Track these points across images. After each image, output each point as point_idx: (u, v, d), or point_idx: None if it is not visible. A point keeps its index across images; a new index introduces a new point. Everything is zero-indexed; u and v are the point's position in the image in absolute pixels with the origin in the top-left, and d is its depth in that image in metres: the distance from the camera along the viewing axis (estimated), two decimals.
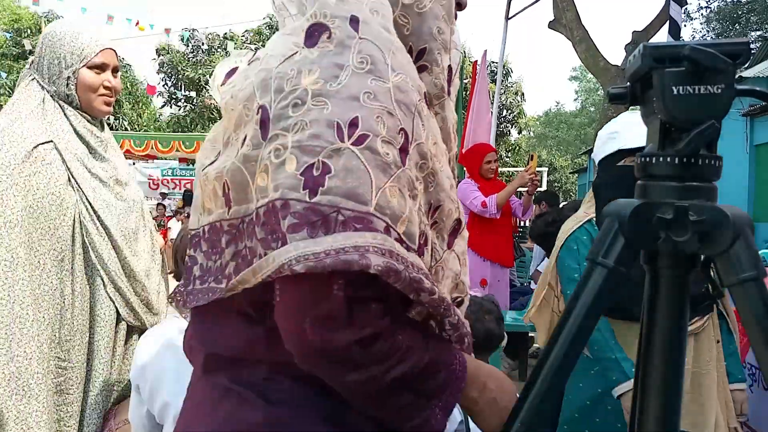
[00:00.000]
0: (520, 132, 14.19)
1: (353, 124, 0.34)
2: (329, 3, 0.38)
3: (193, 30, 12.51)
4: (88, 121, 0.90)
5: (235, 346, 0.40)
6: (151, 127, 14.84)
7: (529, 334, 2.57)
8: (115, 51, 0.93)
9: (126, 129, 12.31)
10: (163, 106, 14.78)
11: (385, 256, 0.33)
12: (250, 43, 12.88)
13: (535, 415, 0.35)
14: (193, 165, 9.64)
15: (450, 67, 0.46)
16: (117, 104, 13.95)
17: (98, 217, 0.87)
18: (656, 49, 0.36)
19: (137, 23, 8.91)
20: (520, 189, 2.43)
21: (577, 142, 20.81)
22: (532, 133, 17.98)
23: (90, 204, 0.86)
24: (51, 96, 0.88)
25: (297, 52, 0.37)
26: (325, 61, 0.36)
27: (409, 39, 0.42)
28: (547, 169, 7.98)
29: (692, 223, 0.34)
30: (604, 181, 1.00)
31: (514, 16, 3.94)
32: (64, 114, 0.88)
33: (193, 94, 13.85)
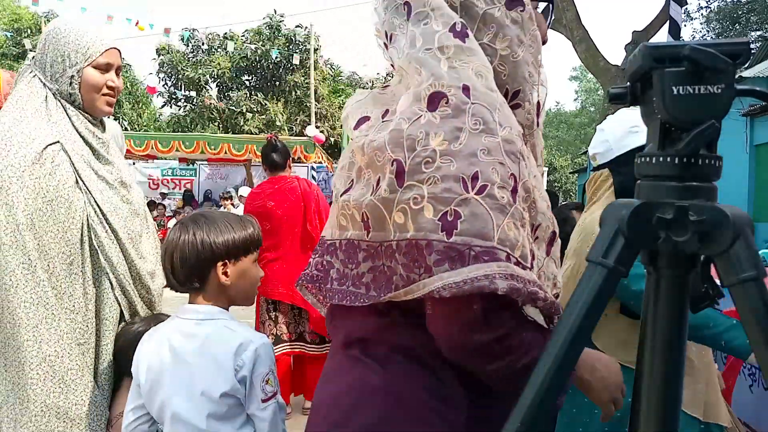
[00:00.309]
0: None
1: (475, 177, 0.46)
2: (443, 74, 0.48)
3: (193, 30, 12.51)
4: (89, 121, 0.89)
5: (366, 329, 0.54)
6: (151, 126, 14.84)
7: None
8: (119, 50, 0.92)
9: (126, 129, 12.30)
10: (163, 106, 14.78)
11: (508, 279, 0.44)
12: (250, 43, 12.87)
13: (536, 415, 0.35)
14: (192, 165, 9.66)
15: (539, 102, 0.57)
16: (117, 104, 13.92)
17: (106, 219, 0.86)
18: (656, 49, 0.36)
19: (137, 23, 8.91)
20: None
21: (577, 142, 20.82)
22: None
23: (98, 206, 0.86)
24: (53, 94, 0.86)
25: (421, 116, 0.48)
26: (447, 126, 0.47)
27: (506, 83, 0.54)
28: (547, 169, 7.98)
29: (692, 223, 0.34)
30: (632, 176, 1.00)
31: None
32: (66, 114, 0.87)
33: (193, 93, 13.85)
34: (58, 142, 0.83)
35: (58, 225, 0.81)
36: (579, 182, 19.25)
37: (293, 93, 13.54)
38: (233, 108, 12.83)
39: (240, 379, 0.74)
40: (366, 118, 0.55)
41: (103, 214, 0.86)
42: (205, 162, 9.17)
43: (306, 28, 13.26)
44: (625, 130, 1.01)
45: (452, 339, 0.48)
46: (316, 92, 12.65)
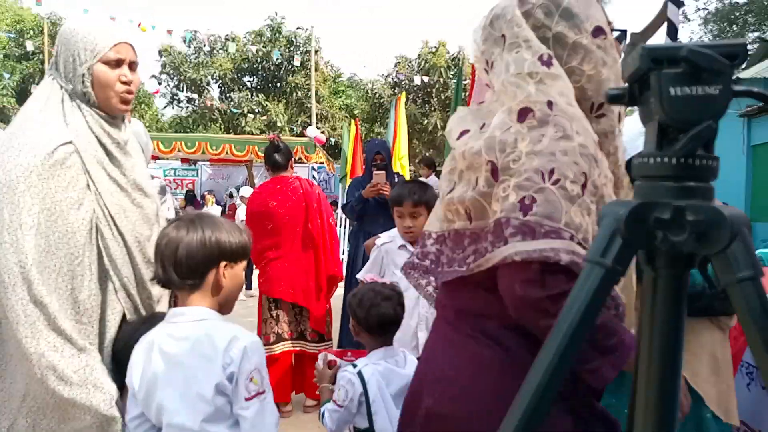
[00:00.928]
0: None
1: (552, 171, 0.57)
2: (531, 92, 0.60)
3: (195, 31, 12.55)
4: (106, 121, 0.88)
5: (474, 305, 0.64)
6: (153, 127, 14.86)
7: None
8: (132, 45, 0.89)
9: None
10: (165, 107, 14.81)
11: (570, 254, 0.54)
12: (251, 45, 12.91)
13: (534, 414, 0.35)
14: (194, 165, 9.68)
15: (619, 113, 0.67)
16: None
17: (114, 222, 0.86)
18: (654, 50, 0.36)
19: (139, 24, 8.95)
20: None
21: None
22: None
23: (107, 209, 0.85)
24: (69, 95, 0.86)
25: (511, 126, 0.60)
26: (533, 133, 0.59)
27: (592, 97, 0.65)
28: None
29: (689, 223, 0.35)
30: None
31: None
32: (82, 114, 0.86)
33: (195, 96, 13.87)
34: (71, 142, 0.82)
35: (67, 225, 0.81)
36: None
37: (294, 94, 13.57)
38: (235, 109, 12.85)
39: (228, 376, 0.74)
40: (466, 131, 0.67)
41: (111, 217, 0.86)
42: (207, 162, 9.18)
43: (307, 29, 13.29)
44: (638, 130, 1.01)
45: (513, 294, 0.57)
46: (316, 93, 12.67)
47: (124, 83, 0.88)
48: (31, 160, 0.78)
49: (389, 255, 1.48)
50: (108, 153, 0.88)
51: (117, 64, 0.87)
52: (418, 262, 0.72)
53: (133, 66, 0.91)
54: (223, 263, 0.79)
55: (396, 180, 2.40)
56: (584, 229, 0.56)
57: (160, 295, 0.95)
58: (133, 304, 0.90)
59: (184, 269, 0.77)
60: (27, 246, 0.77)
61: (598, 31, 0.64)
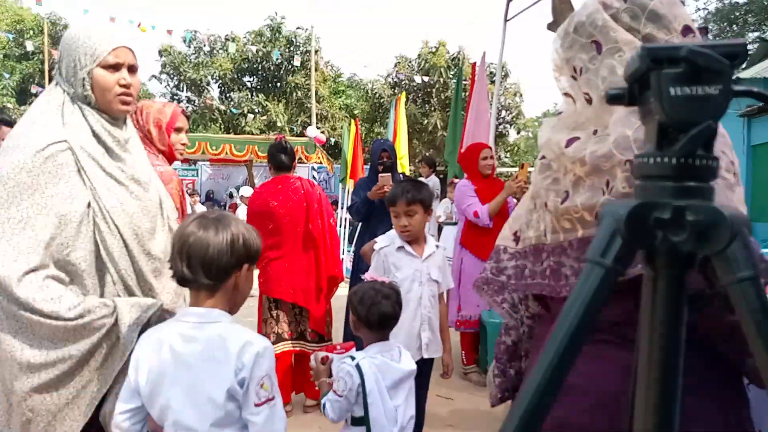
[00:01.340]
0: (518, 132, 14.21)
1: None
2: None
3: (195, 31, 12.55)
4: (107, 121, 0.91)
5: (616, 314, 0.59)
6: None
7: None
8: (131, 49, 0.92)
9: None
10: None
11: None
12: (251, 45, 12.90)
13: (534, 414, 0.35)
14: (194, 165, 9.67)
15: None
16: None
17: (110, 215, 0.88)
18: (654, 50, 0.36)
19: (139, 24, 8.95)
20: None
21: None
22: (530, 134, 17.97)
23: (102, 202, 0.87)
24: (71, 98, 0.89)
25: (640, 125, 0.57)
26: None
27: None
28: None
29: (689, 223, 0.35)
30: None
31: (512, 17, 3.94)
32: (83, 114, 0.89)
33: (195, 97, 13.87)
34: (65, 141, 0.84)
35: (59, 218, 0.82)
36: None
37: (294, 94, 13.56)
38: (234, 109, 12.85)
39: (239, 381, 0.74)
40: (576, 138, 0.64)
41: (107, 210, 0.87)
42: (207, 162, 9.18)
43: (307, 29, 13.29)
44: None
45: (721, 319, 0.55)
46: (316, 93, 12.66)
47: (123, 86, 0.91)
48: (21, 157, 0.81)
49: (389, 258, 1.49)
50: (108, 150, 0.90)
51: (115, 67, 0.90)
52: (492, 277, 0.71)
53: (132, 69, 0.93)
54: (246, 265, 0.80)
55: (401, 179, 2.40)
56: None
57: (162, 287, 0.95)
58: (133, 296, 0.91)
59: (214, 270, 0.76)
60: (15, 239, 0.79)
61: (686, 30, 0.62)
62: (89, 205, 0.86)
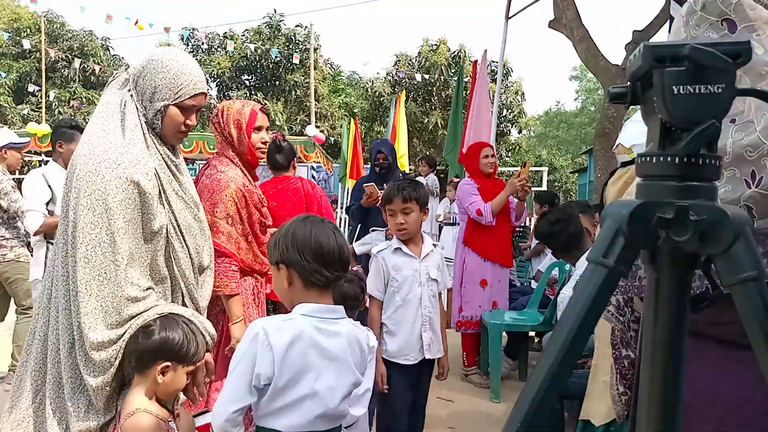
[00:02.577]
0: (520, 131, 14.18)
1: None
2: None
3: (193, 29, 12.49)
4: (166, 147, 0.98)
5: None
6: None
7: (529, 334, 2.57)
8: (205, 94, 0.99)
9: None
10: None
11: None
12: (250, 43, 12.85)
13: (537, 415, 0.35)
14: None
15: None
16: None
17: (182, 235, 0.97)
18: (657, 48, 0.36)
19: (136, 22, 8.90)
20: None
21: (577, 142, 20.78)
22: (532, 133, 17.96)
23: (177, 223, 0.95)
24: (145, 120, 0.95)
25: None
26: None
27: None
28: (547, 168, 7.95)
29: (692, 222, 0.34)
30: None
31: (514, 15, 3.93)
32: (152, 138, 0.95)
33: None
34: (152, 167, 0.92)
35: (144, 235, 0.90)
36: (579, 182, 19.18)
37: (293, 92, 13.52)
38: None
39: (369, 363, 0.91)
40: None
41: (181, 231, 0.96)
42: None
43: (306, 27, 13.24)
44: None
45: None
46: (315, 92, 12.64)
47: (187, 126, 0.97)
48: (121, 182, 0.87)
49: (387, 261, 1.48)
50: (173, 174, 0.98)
51: (189, 110, 0.97)
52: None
53: (197, 112, 1.00)
54: None
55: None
56: None
57: (201, 296, 1.05)
58: (196, 308, 1.01)
59: (345, 269, 0.88)
60: (123, 248, 0.86)
61: None
62: (166, 224, 0.93)
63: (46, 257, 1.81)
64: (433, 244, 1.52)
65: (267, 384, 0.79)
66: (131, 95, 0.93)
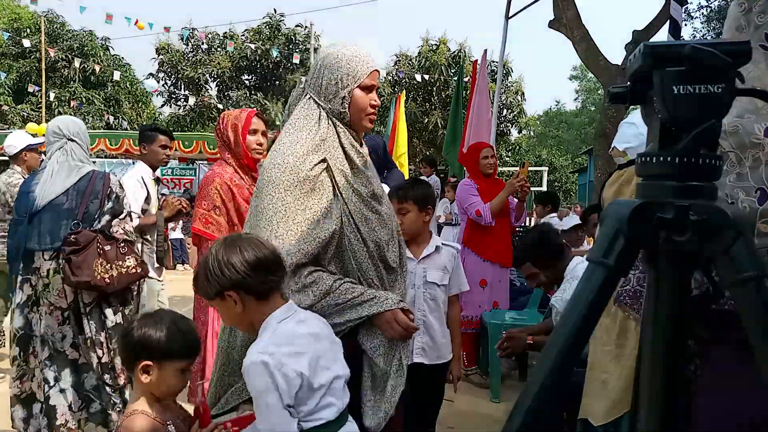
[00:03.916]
0: (520, 131, 14.18)
1: None
2: None
3: (193, 29, 12.48)
4: (353, 137, 0.99)
5: None
6: None
7: None
8: (378, 71, 1.00)
9: (126, 128, 12.30)
10: (162, 105, 14.78)
11: None
12: (250, 42, 12.85)
13: (537, 414, 0.35)
14: (192, 165, 9.64)
15: None
16: (116, 103, 13.96)
17: (358, 229, 0.95)
18: (657, 48, 0.36)
19: (136, 22, 8.90)
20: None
21: (577, 142, 20.77)
22: (532, 133, 17.94)
23: (352, 217, 0.95)
24: (327, 114, 0.97)
25: None
26: None
27: None
28: (547, 168, 7.96)
29: (693, 222, 0.34)
30: None
31: (514, 15, 3.93)
32: (336, 131, 0.97)
33: (192, 95, 13.84)
34: (324, 159, 0.94)
35: (319, 231, 0.91)
36: (579, 182, 19.15)
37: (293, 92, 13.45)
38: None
39: None
40: None
41: (355, 223, 0.95)
42: (205, 161, 9.17)
43: (306, 27, 13.23)
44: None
45: None
46: None
47: (373, 106, 0.99)
48: (294, 177, 0.90)
49: None
50: (353, 165, 0.98)
51: (370, 89, 0.99)
52: (640, 289, 0.66)
53: (377, 90, 1.02)
54: None
55: (393, 173, 2.37)
56: None
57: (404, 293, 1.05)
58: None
59: (284, 269, 0.90)
60: (293, 251, 0.88)
61: None
62: (341, 218, 0.93)
63: (141, 252, 1.84)
64: (442, 244, 1.45)
65: (291, 404, 0.79)
66: (310, 97, 0.98)
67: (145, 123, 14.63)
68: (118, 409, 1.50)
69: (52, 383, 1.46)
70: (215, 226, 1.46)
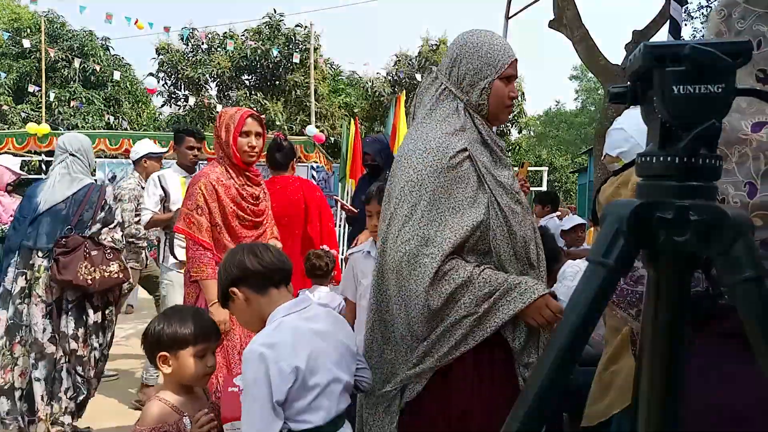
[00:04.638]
0: (520, 131, 14.18)
1: None
2: None
3: (193, 29, 12.48)
4: (491, 129, 0.95)
5: None
6: (151, 126, 14.82)
7: None
8: (517, 60, 0.95)
9: (126, 128, 12.30)
10: (162, 106, 14.78)
11: None
12: (250, 41, 12.85)
13: (536, 414, 0.35)
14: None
15: None
16: (116, 103, 13.97)
17: (507, 221, 0.90)
18: (657, 48, 0.36)
19: (136, 21, 8.89)
20: None
21: (577, 142, 20.77)
22: (532, 133, 17.95)
23: (501, 209, 0.90)
24: (464, 105, 0.92)
25: None
26: None
27: None
28: (547, 168, 7.97)
29: (692, 222, 0.34)
30: None
31: (514, 15, 3.93)
32: (473, 123, 0.92)
33: (192, 95, 13.84)
34: (466, 149, 0.89)
35: (464, 220, 0.87)
36: (579, 182, 19.15)
37: (293, 92, 13.52)
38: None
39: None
40: (763, 123, 0.55)
41: (504, 216, 0.90)
42: (205, 161, 9.15)
43: (306, 27, 13.24)
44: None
45: None
46: (315, 92, 12.63)
47: (511, 98, 0.94)
48: (437, 163, 0.86)
49: (357, 265, 1.42)
50: (494, 157, 0.94)
51: (510, 80, 0.94)
52: (627, 288, 0.65)
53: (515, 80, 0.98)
54: None
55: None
56: None
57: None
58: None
59: (286, 264, 0.95)
60: (437, 239, 0.84)
61: None
62: (488, 209, 0.89)
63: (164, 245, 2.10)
64: None
65: (282, 400, 0.79)
66: (445, 87, 0.93)
67: (145, 123, 14.64)
68: (84, 398, 1.68)
69: (31, 370, 1.64)
70: (196, 226, 1.47)
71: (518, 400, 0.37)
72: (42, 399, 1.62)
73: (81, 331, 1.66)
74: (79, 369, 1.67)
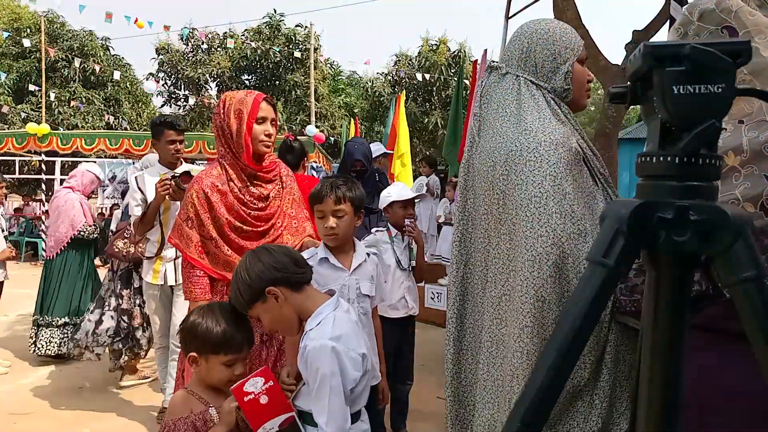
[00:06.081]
0: None
1: None
2: None
3: (193, 29, 12.49)
4: (575, 118, 0.90)
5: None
6: None
7: None
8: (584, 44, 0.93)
9: (125, 128, 12.29)
10: (162, 106, 14.78)
11: None
12: (250, 41, 12.86)
13: (536, 414, 0.35)
14: (191, 164, 9.66)
15: None
16: (116, 103, 13.97)
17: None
18: (657, 48, 0.36)
19: (136, 20, 8.89)
20: None
21: None
22: None
23: (612, 200, 0.86)
24: (549, 93, 0.86)
25: None
26: None
27: None
28: None
29: (693, 222, 0.34)
30: None
31: (514, 15, 3.93)
32: (561, 111, 0.86)
33: (192, 95, 13.84)
34: (572, 138, 0.83)
35: (597, 212, 0.81)
36: None
37: (293, 92, 13.54)
38: None
39: None
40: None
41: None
42: (205, 161, 9.18)
43: (306, 27, 13.25)
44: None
45: None
46: (315, 91, 12.64)
47: (589, 81, 0.91)
48: (568, 155, 0.79)
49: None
50: (592, 151, 0.88)
51: (582, 62, 0.90)
52: (624, 299, 0.64)
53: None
54: None
55: (378, 179, 2.31)
56: None
57: None
58: None
59: (307, 264, 1.02)
60: (575, 230, 0.76)
61: None
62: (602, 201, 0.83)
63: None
64: (367, 253, 1.29)
65: (354, 387, 0.83)
66: (525, 79, 0.85)
67: (145, 123, 14.63)
68: (127, 345, 2.42)
69: (92, 310, 2.48)
70: (185, 240, 1.29)
71: (518, 400, 0.37)
72: (86, 334, 2.39)
73: (126, 291, 2.41)
74: (126, 319, 2.38)
